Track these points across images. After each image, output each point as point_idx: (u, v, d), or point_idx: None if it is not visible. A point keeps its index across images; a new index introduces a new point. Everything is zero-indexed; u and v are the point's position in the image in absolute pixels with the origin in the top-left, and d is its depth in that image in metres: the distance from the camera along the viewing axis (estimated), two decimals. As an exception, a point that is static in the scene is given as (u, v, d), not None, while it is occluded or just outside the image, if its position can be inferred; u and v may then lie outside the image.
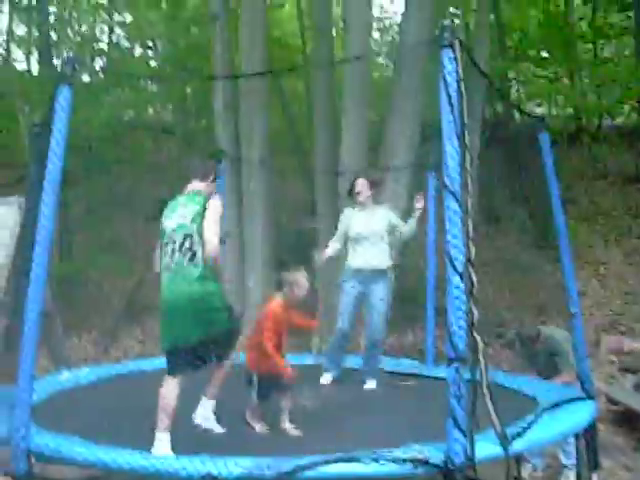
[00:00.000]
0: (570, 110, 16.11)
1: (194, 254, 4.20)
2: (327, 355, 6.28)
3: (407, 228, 6.15)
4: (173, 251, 4.23)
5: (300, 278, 4.66)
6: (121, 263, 11.82)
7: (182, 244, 4.22)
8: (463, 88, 3.64)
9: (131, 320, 11.28)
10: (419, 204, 6.14)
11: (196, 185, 4.52)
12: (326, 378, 6.07)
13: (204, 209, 4.26)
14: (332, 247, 6.13)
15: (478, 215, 10.67)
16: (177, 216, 4.32)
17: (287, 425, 4.57)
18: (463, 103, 3.62)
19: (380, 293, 5.98)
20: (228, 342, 4.42)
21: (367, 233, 5.99)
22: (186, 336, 4.13)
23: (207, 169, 4.63)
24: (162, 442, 3.93)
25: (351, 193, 6.16)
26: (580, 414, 4.57)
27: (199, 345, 4.15)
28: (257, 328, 4.65)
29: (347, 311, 6.00)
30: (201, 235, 4.19)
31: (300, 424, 4.53)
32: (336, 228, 6.27)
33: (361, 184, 6.11)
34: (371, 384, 5.95)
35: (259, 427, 4.58)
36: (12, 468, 3.68)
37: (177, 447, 3.80)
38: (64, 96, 3.80)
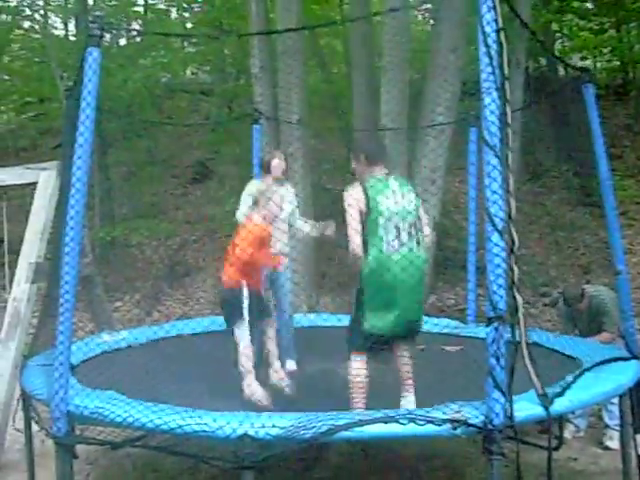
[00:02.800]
0: (617, 63, 15.61)
1: (419, 240, 4.24)
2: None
3: (304, 226, 5.79)
4: (399, 231, 4.15)
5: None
6: (162, 226, 11.90)
7: (412, 226, 4.21)
8: (503, 39, 3.49)
9: (173, 283, 11.39)
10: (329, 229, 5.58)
11: (382, 170, 4.38)
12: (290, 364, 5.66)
13: None
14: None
15: (522, 172, 10.48)
16: (399, 199, 4.23)
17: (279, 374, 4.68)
18: (503, 54, 3.46)
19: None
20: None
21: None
22: (408, 318, 4.19)
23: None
24: None
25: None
26: (624, 374, 4.45)
27: (408, 330, 4.27)
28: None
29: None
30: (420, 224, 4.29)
31: (335, 384, 4.51)
32: None
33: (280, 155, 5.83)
34: (291, 365, 5.58)
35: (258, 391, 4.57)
36: (53, 430, 3.74)
37: (214, 406, 3.77)
38: (93, 58, 3.75)
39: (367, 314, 4.16)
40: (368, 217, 4.14)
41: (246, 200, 5.54)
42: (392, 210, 4.16)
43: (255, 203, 4.98)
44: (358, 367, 4.20)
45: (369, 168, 4.34)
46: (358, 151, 4.47)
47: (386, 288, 4.10)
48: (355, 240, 4.14)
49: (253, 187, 5.61)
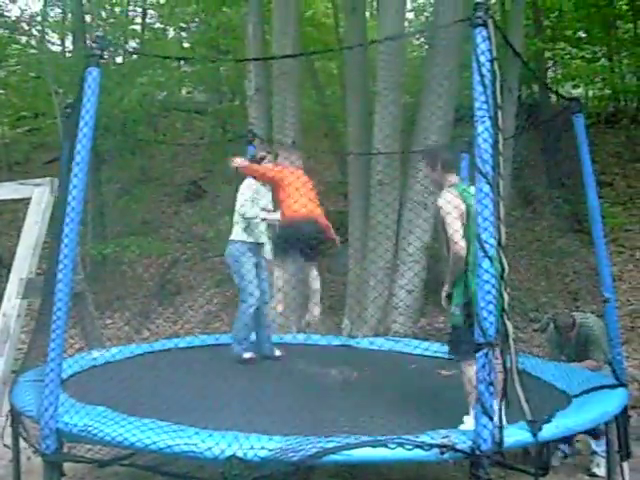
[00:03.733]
0: (608, 91, 15.78)
1: None
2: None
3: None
4: None
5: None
6: (154, 244, 11.90)
7: None
8: (497, 68, 3.56)
9: (164, 301, 11.37)
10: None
11: (456, 178, 4.53)
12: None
13: None
14: None
15: (514, 198, 10.54)
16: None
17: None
18: (496, 83, 3.54)
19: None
20: None
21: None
22: None
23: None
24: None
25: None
26: (611, 401, 4.49)
27: None
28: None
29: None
30: None
31: (324, 406, 4.50)
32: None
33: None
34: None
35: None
36: (42, 447, 3.73)
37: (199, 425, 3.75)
38: (93, 77, 3.80)
39: None
40: (467, 220, 4.25)
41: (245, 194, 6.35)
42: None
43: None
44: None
45: (445, 175, 4.46)
46: (436, 159, 4.56)
47: None
48: (461, 243, 4.21)
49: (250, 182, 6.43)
